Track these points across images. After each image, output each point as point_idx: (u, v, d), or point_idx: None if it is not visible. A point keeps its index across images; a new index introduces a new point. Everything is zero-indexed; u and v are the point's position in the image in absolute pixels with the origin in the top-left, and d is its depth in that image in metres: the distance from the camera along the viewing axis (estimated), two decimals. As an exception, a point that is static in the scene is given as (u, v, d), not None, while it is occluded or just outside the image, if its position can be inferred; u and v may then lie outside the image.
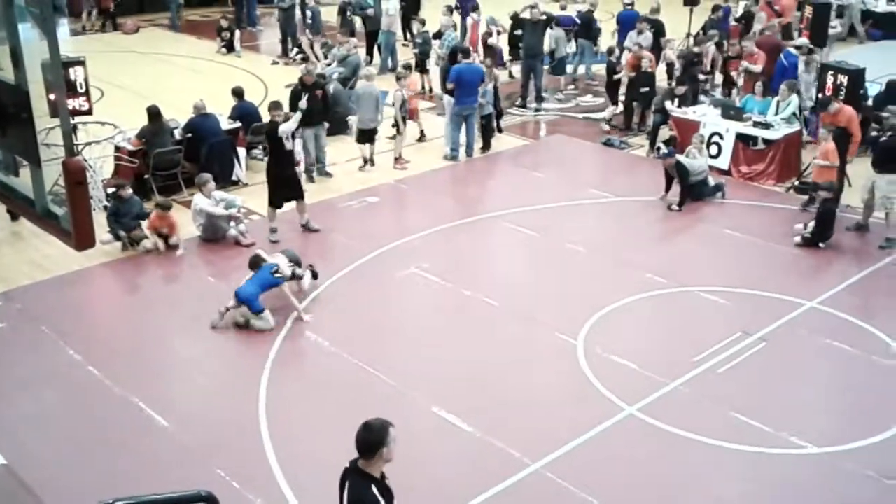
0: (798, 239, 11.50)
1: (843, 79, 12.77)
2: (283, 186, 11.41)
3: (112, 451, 7.63)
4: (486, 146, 15.05)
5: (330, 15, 22.17)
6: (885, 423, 8.05)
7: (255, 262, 9.67)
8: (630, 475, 7.43)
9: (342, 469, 4.93)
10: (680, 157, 12.83)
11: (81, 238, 3.71)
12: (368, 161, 14.23)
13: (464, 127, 14.54)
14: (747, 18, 19.13)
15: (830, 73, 13.01)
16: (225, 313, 9.46)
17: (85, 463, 7.49)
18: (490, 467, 7.42)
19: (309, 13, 20.44)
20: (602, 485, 7.23)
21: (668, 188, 12.92)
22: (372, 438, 4.76)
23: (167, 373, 8.91)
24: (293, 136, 11.42)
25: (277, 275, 9.58)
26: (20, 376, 8.72)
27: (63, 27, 22.84)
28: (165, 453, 7.62)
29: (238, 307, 9.44)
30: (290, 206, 11.75)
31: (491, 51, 18.27)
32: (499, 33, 19.03)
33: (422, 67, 18.26)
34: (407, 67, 16.53)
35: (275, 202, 11.50)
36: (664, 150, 13.07)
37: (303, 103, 12.03)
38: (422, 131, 15.40)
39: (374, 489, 4.77)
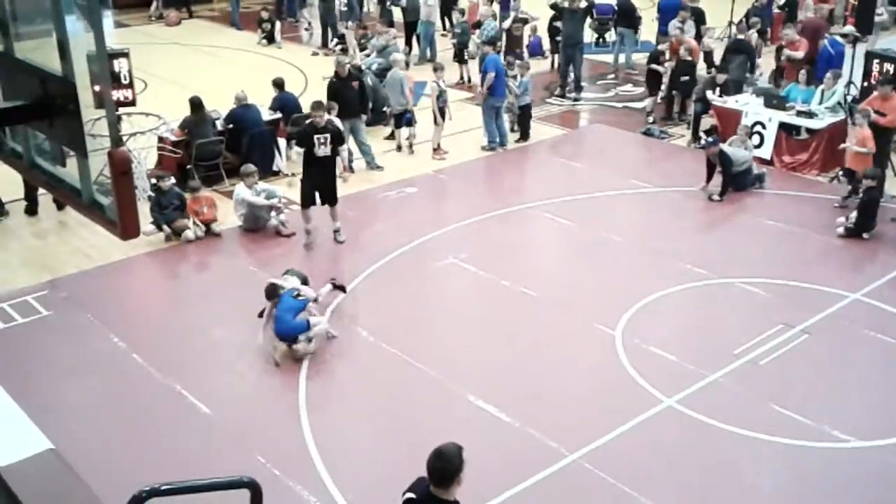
0: (841, 230, 11.32)
1: (890, 67, 12.53)
2: (313, 190, 10.97)
3: (155, 437, 7.78)
4: (525, 136, 15.01)
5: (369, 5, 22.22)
6: (931, 417, 7.93)
7: (273, 291, 8.91)
8: (668, 467, 7.40)
9: (404, 496, 4.77)
10: (723, 147, 12.69)
11: (126, 227, 3.73)
12: (401, 147, 14.28)
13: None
14: (790, 6, 18.84)
15: (876, 60, 12.77)
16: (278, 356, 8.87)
17: (129, 448, 7.63)
18: (527, 457, 7.43)
19: (346, 0, 20.49)
20: (640, 476, 7.21)
21: (709, 178, 12.78)
22: (447, 467, 4.62)
23: (209, 361, 9.01)
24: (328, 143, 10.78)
25: (301, 297, 8.91)
26: (66, 363, 8.91)
27: (108, 19, 23.15)
28: (207, 440, 7.74)
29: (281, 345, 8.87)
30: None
31: (511, 36, 17.93)
32: (525, 21, 18.74)
33: (460, 58, 18.23)
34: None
35: (302, 203, 11.05)
36: (707, 139, 12.94)
37: (341, 124, 11.98)
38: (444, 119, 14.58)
39: None
